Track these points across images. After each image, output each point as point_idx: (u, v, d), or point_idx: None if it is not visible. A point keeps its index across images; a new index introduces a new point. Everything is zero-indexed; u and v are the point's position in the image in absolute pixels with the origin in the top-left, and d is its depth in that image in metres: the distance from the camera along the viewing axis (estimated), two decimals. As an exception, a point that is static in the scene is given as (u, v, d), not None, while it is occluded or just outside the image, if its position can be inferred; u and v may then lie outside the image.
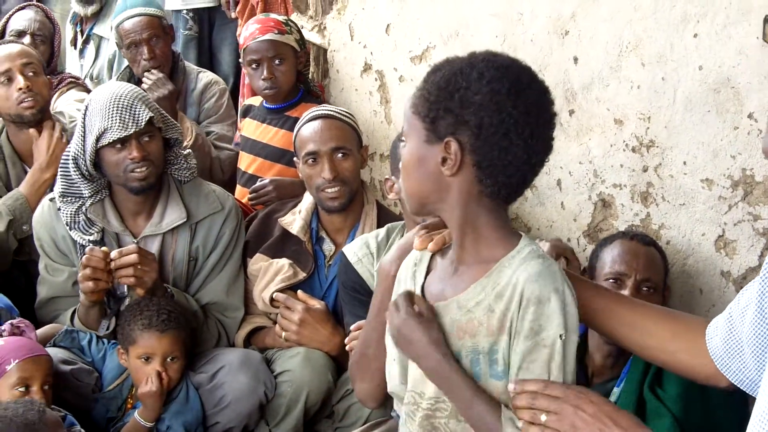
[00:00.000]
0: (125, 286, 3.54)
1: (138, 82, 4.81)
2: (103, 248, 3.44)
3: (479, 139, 1.99)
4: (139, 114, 3.43)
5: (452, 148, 2.00)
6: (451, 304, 2.09)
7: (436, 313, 2.14)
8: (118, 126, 3.40)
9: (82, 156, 3.50)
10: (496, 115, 1.97)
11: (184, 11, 5.90)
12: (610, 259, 3.11)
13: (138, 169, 3.45)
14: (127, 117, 3.41)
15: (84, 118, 3.51)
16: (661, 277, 3.10)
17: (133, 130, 3.41)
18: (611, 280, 3.05)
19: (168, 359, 3.37)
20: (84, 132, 3.50)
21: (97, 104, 3.47)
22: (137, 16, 4.71)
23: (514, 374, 2.02)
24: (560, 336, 1.98)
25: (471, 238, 2.08)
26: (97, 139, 3.43)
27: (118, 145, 3.44)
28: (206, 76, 4.98)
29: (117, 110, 3.41)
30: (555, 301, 1.99)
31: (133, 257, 3.39)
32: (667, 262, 3.19)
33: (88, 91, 5.03)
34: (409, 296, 2.18)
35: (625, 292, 2.99)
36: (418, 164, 2.05)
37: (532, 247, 2.07)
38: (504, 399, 2.05)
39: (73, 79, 5.05)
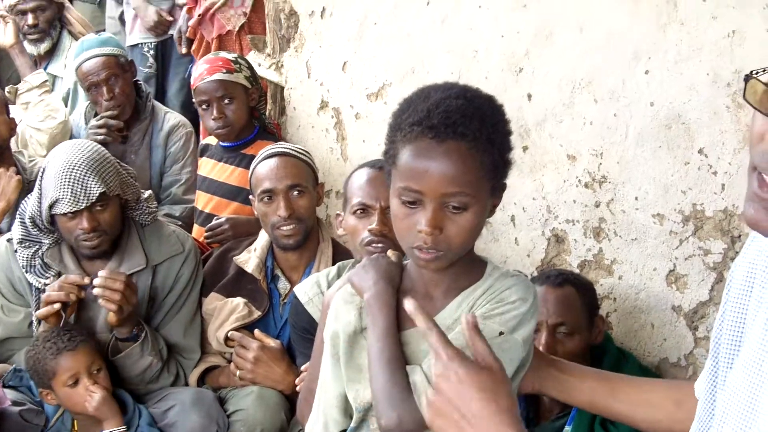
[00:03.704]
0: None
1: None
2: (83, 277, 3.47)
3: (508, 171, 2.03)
4: (90, 188, 3.38)
5: (504, 190, 2.03)
6: None
7: (401, 261, 2.15)
8: (69, 199, 3.36)
9: (39, 216, 3.48)
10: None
11: (145, 48, 5.91)
12: None
13: (89, 241, 3.45)
14: (78, 190, 3.36)
15: (41, 180, 3.48)
16: (578, 318, 3.08)
17: (84, 205, 3.38)
18: None
19: (93, 372, 3.35)
20: (41, 194, 3.47)
21: (52, 170, 3.42)
22: (94, 58, 4.70)
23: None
24: (500, 333, 1.97)
25: (454, 269, 2.05)
26: (50, 207, 3.40)
27: (70, 214, 3.41)
28: (173, 117, 4.97)
29: (69, 182, 3.36)
30: (516, 306, 1.99)
31: (119, 285, 3.35)
32: (594, 298, 3.19)
33: None
34: None
35: (541, 338, 2.99)
36: (482, 223, 1.99)
37: (501, 270, 2.08)
38: None
39: None
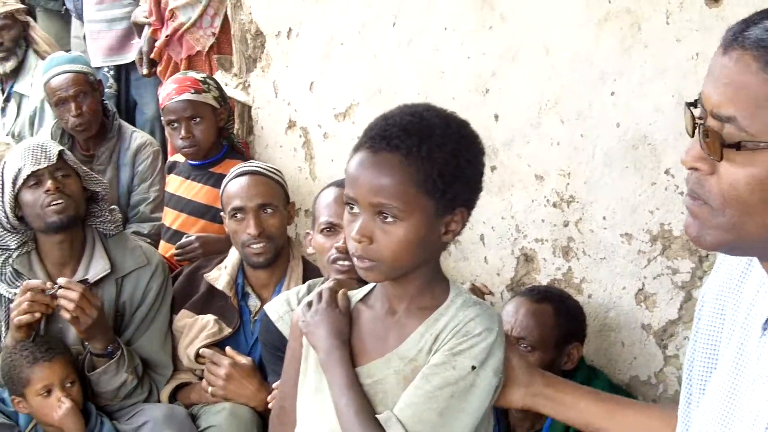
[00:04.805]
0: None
1: (70, 137, 4.82)
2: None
3: (476, 196, 2.05)
4: (50, 150, 3.48)
5: (464, 215, 2.02)
6: (392, 357, 2.06)
7: (349, 310, 2.17)
8: (31, 162, 3.44)
9: (1, 208, 3.50)
10: (482, 168, 2.05)
11: (105, 69, 5.91)
12: (504, 312, 3.16)
13: (54, 202, 3.45)
14: (39, 153, 3.46)
15: (2, 173, 3.53)
16: (544, 337, 3.10)
17: (45, 164, 3.45)
18: None
19: (67, 385, 3.36)
20: (2, 183, 3.51)
21: (12, 154, 3.54)
22: (63, 73, 4.71)
23: (415, 382, 2.00)
24: (472, 367, 1.98)
25: (415, 287, 2.07)
26: (14, 183, 3.44)
27: (33, 183, 3.46)
28: (140, 136, 4.97)
29: (29, 150, 3.47)
30: (483, 337, 1.99)
31: (74, 294, 3.34)
32: (577, 326, 3.21)
33: None
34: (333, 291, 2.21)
35: None
36: (421, 241, 1.97)
37: (465, 297, 2.08)
38: None
39: None
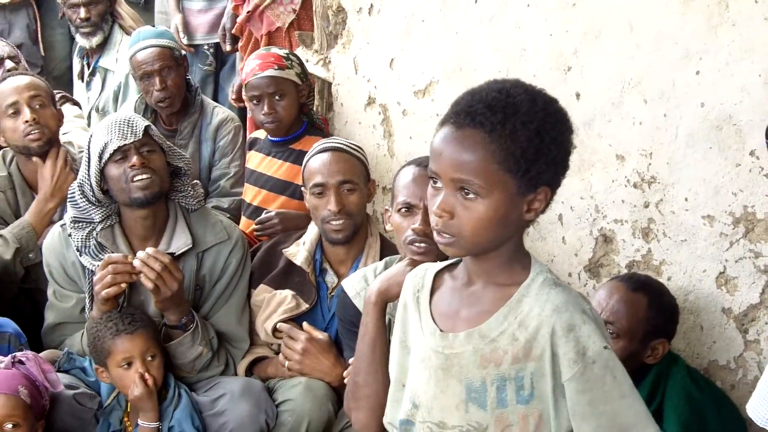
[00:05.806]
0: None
1: (153, 112, 4.87)
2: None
3: (561, 175, 2.05)
4: (137, 125, 3.51)
5: (548, 194, 2.02)
6: (473, 333, 2.06)
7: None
8: (117, 137, 3.47)
9: (87, 181, 3.55)
10: (569, 147, 2.05)
11: (205, 46, 5.96)
12: (596, 296, 3.16)
13: (138, 177, 3.49)
14: (125, 129, 3.49)
15: (89, 147, 3.58)
16: (631, 327, 3.07)
17: (131, 140, 3.48)
18: None
19: (147, 358, 3.39)
20: (89, 157, 3.56)
21: (99, 128, 3.57)
22: (149, 48, 4.76)
23: (575, 400, 1.99)
24: (604, 347, 1.99)
25: (495, 264, 2.08)
26: (100, 157, 3.49)
27: (119, 158, 3.50)
28: (222, 111, 5.00)
29: (116, 124, 3.50)
30: (588, 321, 2.00)
31: (157, 265, 3.39)
32: (668, 321, 3.16)
33: (77, 104, 5.32)
34: None
35: None
36: (502, 218, 1.98)
37: (545, 276, 2.07)
38: (533, 423, 2.03)
39: (61, 93, 5.22)
